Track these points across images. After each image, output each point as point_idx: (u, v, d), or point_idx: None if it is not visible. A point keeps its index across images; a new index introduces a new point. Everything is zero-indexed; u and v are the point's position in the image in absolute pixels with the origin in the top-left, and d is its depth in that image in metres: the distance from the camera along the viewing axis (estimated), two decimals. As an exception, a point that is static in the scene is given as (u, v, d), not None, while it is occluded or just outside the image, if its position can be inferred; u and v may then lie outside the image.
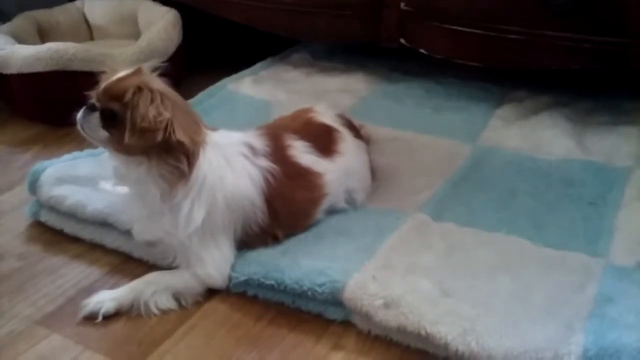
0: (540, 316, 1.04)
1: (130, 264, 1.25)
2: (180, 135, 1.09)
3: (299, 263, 1.16)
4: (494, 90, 1.89)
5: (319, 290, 1.10)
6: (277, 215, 1.21)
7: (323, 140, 1.31)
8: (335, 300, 1.10)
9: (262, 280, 1.14)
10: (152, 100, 1.09)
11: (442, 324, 1.01)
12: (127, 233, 1.25)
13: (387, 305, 1.05)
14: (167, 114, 1.09)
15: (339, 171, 1.30)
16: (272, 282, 1.13)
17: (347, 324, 1.11)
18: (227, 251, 1.18)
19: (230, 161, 1.17)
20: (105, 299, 1.13)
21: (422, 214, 1.31)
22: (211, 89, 1.87)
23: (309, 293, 1.10)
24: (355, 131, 1.42)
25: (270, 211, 1.19)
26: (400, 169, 1.49)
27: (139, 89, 1.09)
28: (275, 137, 1.27)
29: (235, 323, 1.12)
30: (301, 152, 1.27)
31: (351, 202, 1.34)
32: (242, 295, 1.17)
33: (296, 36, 2.03)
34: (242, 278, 1.16)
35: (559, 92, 1.85)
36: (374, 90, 1.91)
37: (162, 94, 1.11)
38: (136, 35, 2.02)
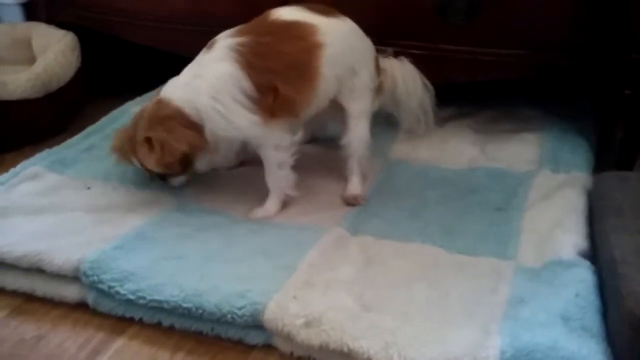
0: (458, 322, 1.06)
1: (33, 303, 1.17)
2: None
3: (218, 287, 1.12)
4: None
5: (239, 313, 1.07)
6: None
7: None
8: (255, 323, 1.07)
9: (180, 303, 1.09)
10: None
11: (364, 338, 1.01)
12: (30, 270, 1.17)
13: (308, 324, 1.04)
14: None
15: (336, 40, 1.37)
16: (190, 305, 1.09)
17: (268, 348, 1.08)
18: None
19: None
20: None
21: (340, 228, 1.32)
22: (114, 113, 1.80)
23: (229, 317, 1.07)
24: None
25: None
26: (318, 184, 1.49)
27: None
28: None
29: (150, 358, 1.07)
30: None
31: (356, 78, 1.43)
32: (157, 327, 1.12)
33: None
34: (160, 298, 1.10)
35: (462, 103, 1.92)
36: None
37: None
38: (31, 60, 1.92)
